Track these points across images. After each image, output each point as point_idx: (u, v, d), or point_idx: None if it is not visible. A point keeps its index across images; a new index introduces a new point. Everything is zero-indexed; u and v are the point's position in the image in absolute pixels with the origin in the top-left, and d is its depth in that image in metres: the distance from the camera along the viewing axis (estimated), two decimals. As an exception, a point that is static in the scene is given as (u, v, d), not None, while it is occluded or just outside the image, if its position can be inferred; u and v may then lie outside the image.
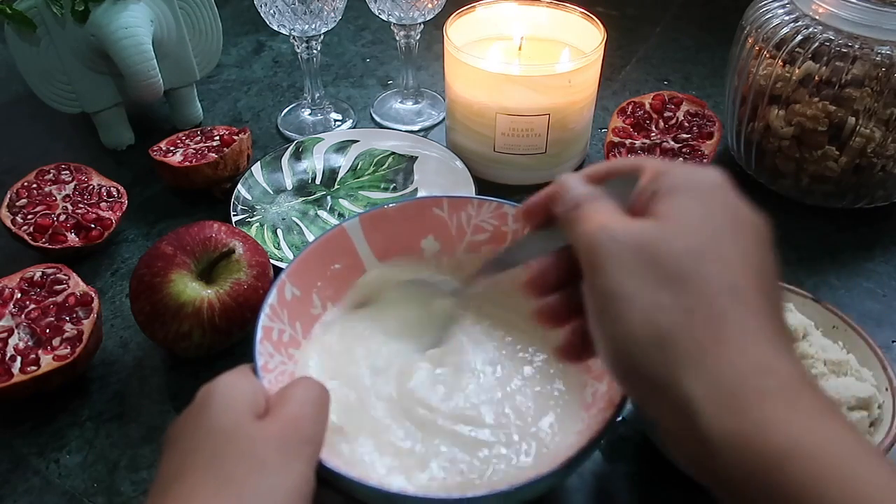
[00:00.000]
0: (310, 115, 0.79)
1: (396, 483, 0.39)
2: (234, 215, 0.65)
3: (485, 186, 0.68)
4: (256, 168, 0.69)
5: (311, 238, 0.64)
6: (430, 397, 0.44)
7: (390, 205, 0.50)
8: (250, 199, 0.67)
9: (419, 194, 0.68)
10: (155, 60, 0.64)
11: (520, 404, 0.43)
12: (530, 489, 0.35)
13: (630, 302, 0.29)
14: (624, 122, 0.70)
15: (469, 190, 0.66)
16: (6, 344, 0.50)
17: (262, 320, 0.42)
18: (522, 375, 0.45)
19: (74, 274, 0.55)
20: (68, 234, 0.61)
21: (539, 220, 0.38)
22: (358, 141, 0.73)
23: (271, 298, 0.44)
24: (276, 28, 0.70)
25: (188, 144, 0.68)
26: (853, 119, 0.59)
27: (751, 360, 0.28)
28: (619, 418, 0.49)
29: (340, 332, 0.48)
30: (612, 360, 0.31)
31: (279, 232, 0.65)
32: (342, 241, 0.49)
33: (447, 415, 0.43)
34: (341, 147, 0.73)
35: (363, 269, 0.50)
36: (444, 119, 0.76)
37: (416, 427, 0.42)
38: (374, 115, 0.81)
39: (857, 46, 0.57)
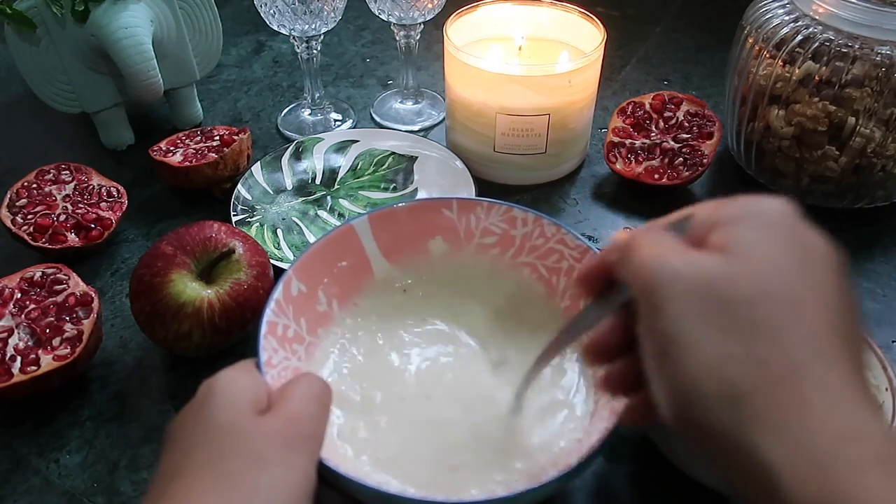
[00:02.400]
0: (310, 115, 0.79)
1: (396, 484, 0.39)
2: (234, 215, 0.65)
3: (485, 186, 0.68)
4: (256, 168, 0.69)
5: (311, 238, 0.64)
6: (433, 400, 0.44)
7: (399, 204, 0.50)
8: (250, 199, 0.67)
9: (419, 194, 0.68)
10: (155, 60, 0.64)
11: (522, 411, 0.43)
12: (529, 496, 0.35)
13: (695, 350, 0.27)
14: (624, 122, 0.70)
15: (469, 190, 0.66)
16: (6, 344, 0.50)
17: (268, 315, 0.42)
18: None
19: (74, 274, 0.55)
20: (68, 234, 0.61)
21: (596, 285, 0.35)
22: (358, 141, 0.73)
23: (277, 293, 0.44)
24: (276, 28, 0.70)
25: (188, 144, 0.68)
26: (853, 119, 0.59)
27: (839, 423, 0.25)
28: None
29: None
30: (674, 411, 0.28)
31: (279, 232, 0.65)
32: (350, 239, 0.49)
33: (447, 418, 0.43)
34: (341, 147, 0.73)
35: (370, 267, 0.50)
36: (444, 119, 0.76)
37: (416, 429, 0.42)
38: (374, 115, 0.81)
39: (857, 46, 0.57)
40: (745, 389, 0.26)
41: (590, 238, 0.64)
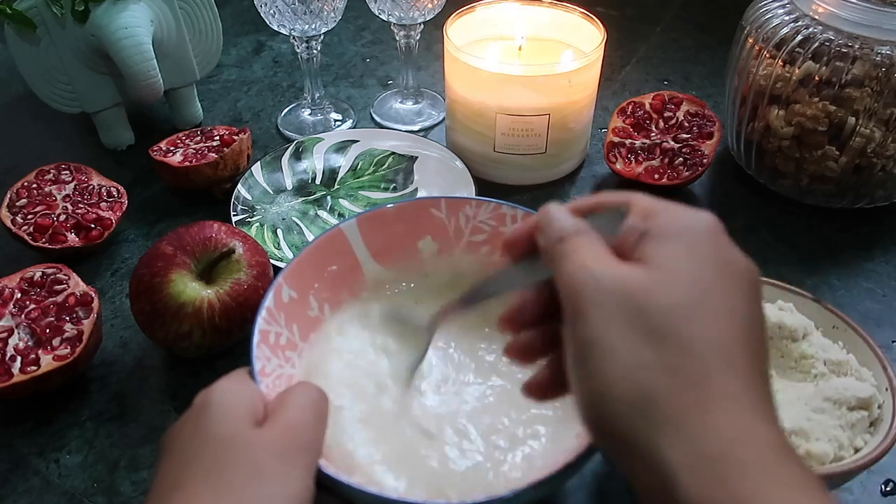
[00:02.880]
0: (310, 115, 0.79)
1: (394, 489, 0.39)
2: (234, 215, 0.65)
3: (485, 186, 0.68)
4: (256, 168, 0.69)
5: (311, 238, 0.64)
6: (427, 407, 0.44)
7: (388, 206, 0.50)
8: (250, 199, 0.67)
9: (419, 194, 0.68)
10: (155, 60, 0.64)
11: (517, 411, 0.43)
12: (528, 494, 0.35)
13: (611, 355, 0.28)
14: (624, 122, 0.70)
15: (469, 190, 0.66)
16: (6, 344, 0.50)
17: (259, 324, 0.42)
18: (516, 383, 0.45)
19: (74, 274, 0.55)
20: (68, 234, 0.61)
21: (521, 251, 0.36)
22: (358, 141, 0.73)
23: (268, 301, 0.43)
24: (276, 28, 0.70)
25: (188, 144, 0.68)
26: (853, 119, 0.59)
27: (733, 427, 0.26)
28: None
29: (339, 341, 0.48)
30: (587, 412, 0.29)
31: (279, 232, 0.65)
32: (339, 243, 0.49)
33: (444, 423, 0.43)
34: (341, 147, 0.73)
35: (361, 270, 0.50)
36: (444, 119, 0.76)
37: (414, 435, 0.42)
38: (374, 115, 0.81)
39: (857, 46, 0.57)
40: (654, 395, 0.27)
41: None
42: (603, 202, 0.34)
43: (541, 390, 0.35)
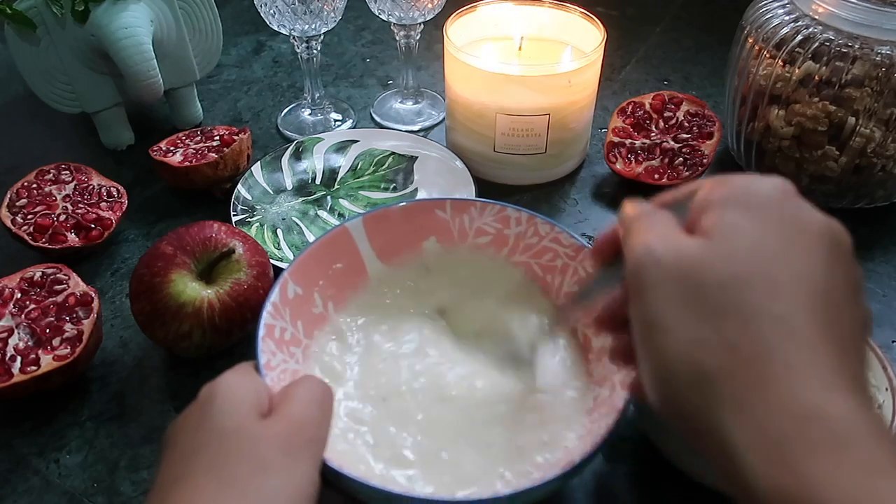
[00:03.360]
0: (310, 115, 0.79)
1: (399, 484, 0.39)
2: (234, 215, 0.65)
3: (485, 186, 0.68)
4: (256, 168, 0.69)
5: (311, 238, 0.64)
6: (433, 401, 0.44)
7: (393, 206, 0.50)
8: (250, 199, 0.67)
9: (419, 194, 0.68)
10: (155, 60, 0.64)
11: (522, 410, 0.43)
12: (531, 494, 0.35)
13: (670, 335, 0.28)
14: (624, 122, 0.70)
15: (469, 190, 0.66)
16: (6, 344, 0.50)
17: (265, 318, 0.42)
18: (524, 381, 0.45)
19: (74, 274, 0.55)
20: (68, 234, 0.61)
21: (607, 255, 0.36)
22: (358, 141, 0.73)
23: (273, 296, 0.44)
24: (276, 28, 0.70)
25: (188, 144, 0.68)
26: (853, 119, 0.59)
27: (800, 403, 0.25)
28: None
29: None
30: (653, 391, 0.29)
31: (279, 232, 0.65)
32: (345, 241, 0.49)
33: (448, 418, 0.43)
34: (341, 147, 0.73)
35: (364, 269, 0.50)
36: (444, 119, 0.76)
37: (418, 430, 0.42)
38: (374, 115, 0.81)
39: (857, 46, 0.57)
40: (712, 372, 0.26)
41: (588, 238, 0.64)
42: (682, 193, 0.34)
43: (622, 356, 0.35)
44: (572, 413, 0.43)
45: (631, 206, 0.34)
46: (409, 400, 0.44)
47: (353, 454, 0.41)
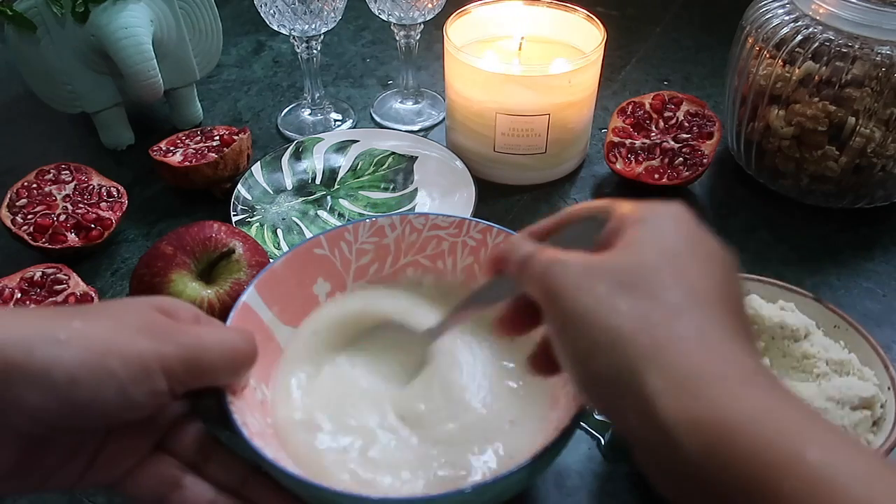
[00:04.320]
0: (310, 115, 0.79)
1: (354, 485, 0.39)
2: (234, 215, 0.65)
3: (485, 186, 0.68)
4: (256, 168, 0.69)
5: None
6: (399, 399, 0.44)
7: (275, 264, 0.47)
8: (250, 199, 0.67)
9: (419, 194, 0.68)
10: (155, 60, 0.64)
11: (486, 405, 0.43)
12: (493, 488, 0.35)
13: (587, 314, 0.30)
14: (624, 122, 0.70)
15: (469, 190, 0.66)
16: (6, 344, 0.50)
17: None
18: (489, 378, 0.45)
19: (74, 274, 0.55)
20: (68, 234, 0.61)
21: (496, 270, 0.38)
22: (358, 141, 0.73)
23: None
24: (276, 28, 0.70)
25: (188, 144, 0.68)
26: (853, 119, 0.59)
27: (708, 351, 0.28)
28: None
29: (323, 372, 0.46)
30: (576, 376, 0.31)
31: (279, 232, 0.65)
32: (251, 318, 0.45)
33: (412, 417, 0.43)
34: (341, 147, 0.73)
35: (274, 338, 0.46)
36: (444, 119, 0.76)
37: (379, 430, 0.42)
38: (374, 115, 0.81)
39: (857, 46, 0.57)
40: (629, 334, 0.28)
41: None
42: (575, 214, 0.36)
43: (539, 366, 0.38)
44: (533, 408, 0.43)
45: (512, 244, 0.35)
46: (370, 400, 0.44)
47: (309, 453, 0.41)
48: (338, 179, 0.70)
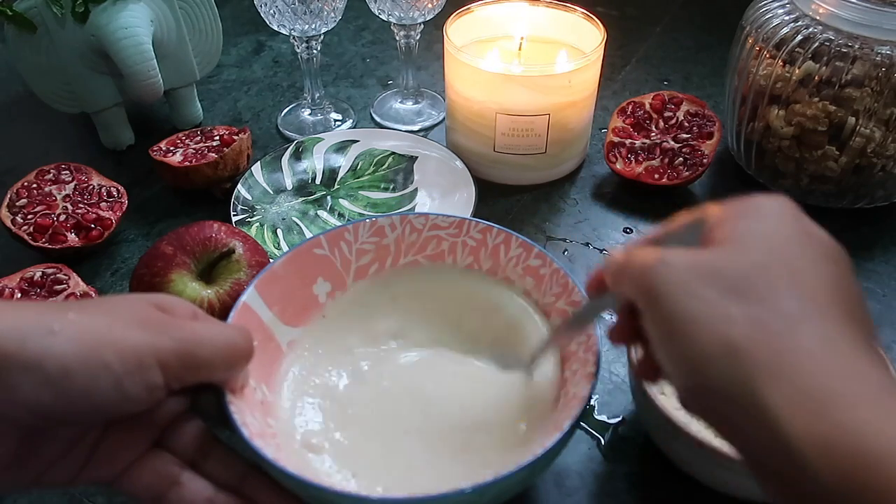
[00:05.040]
0: (310, 115, 0.79)
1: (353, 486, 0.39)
2: (234, 215, 0.65)
3: (485, 186, 0.68)
4: (256, 168, 0.69)
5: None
6: (395, 403, 0.44)
7: (275, 264, 0.47)
8: (250, 199, 0.67)
9: (419, 194, 0.68)
10: (155, 60, 0.64)
11: (484, 408, 0.43)
12: (493, 488, 0.35)
13: (696, 321, 0.28)
14: (624, 122, 0.70)
15: (469, 190, 0.66)
16: (6, 344, 0.50)
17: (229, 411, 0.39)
18: (486, 381, 0.45)
19: (74, 274, 0.55)
20: (68, 234, 0.61)
21: (597, 288, 0.37)
22: (358, 141, 0.73)
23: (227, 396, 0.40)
24: (276, 28, 0.70)
25: (188, 144, 0.68)
26: (853, 119, 0.59)
27: (834, 365, 0.26)
28: (618, 419, 0.50)
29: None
30: (685, 385, 0.29)
31: (279, 232, 0.65)
32: (250, 317, 0.45)
33: (411, 420, 0.43)
34: (341, 147, 0.73)
35: (274, 339, 0.46)
36: (444, 119, 0.76)
37: (376, 432, 0.42)
38: (374, 115, 0.81)
39: (857, 46, 0.57)
40: (745, 344, 0.27)
41: (586, 245, 0.64)
42: (675, 223, 0.34)
43: (646, 372, 0.35)
44: (539, 409, 0.43)
45: (612, 257, 0.34)
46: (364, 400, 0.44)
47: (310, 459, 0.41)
48: (338, 179, 0.70)
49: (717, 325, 0.27)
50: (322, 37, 0.72)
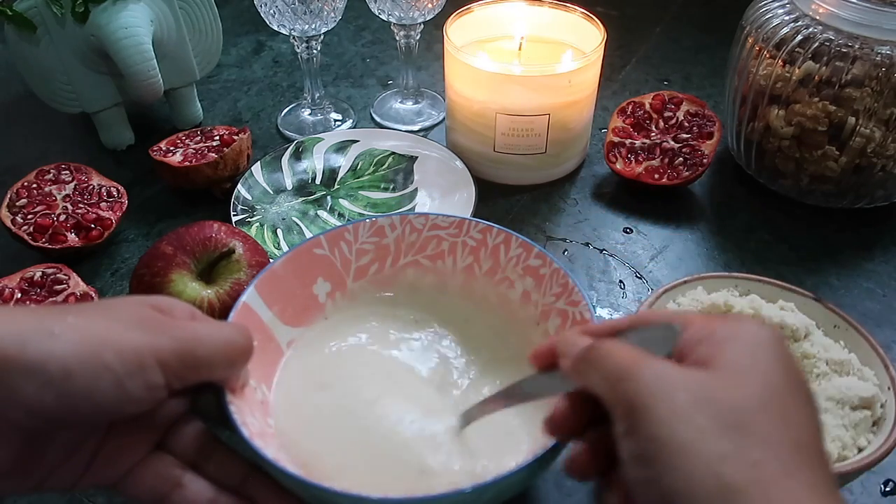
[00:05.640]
0: (310, 115, 0.79)
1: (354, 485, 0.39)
2: (234, 215, 0.65)
3: (485, 186, 0.68)
4: (256, 168, 0.69)
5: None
6: (393, 410, 0.44)
7: (275, 264, 0.47)
8: (250, 199, 0.67)
9: (419, 194, 0.68)
10: (155, 60, 0.64)
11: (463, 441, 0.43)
12: (493, 488, 0.35)
13: (687, 450, 0.27)
14: (624, 122, 0.70)
15: (469, 190, 0.66)
16: (6, 344, 0.50)
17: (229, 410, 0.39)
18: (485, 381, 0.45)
19: (74, 274, 0.55)
20: (68, 234, 0.61)
21: (546, 363, 0.36)
22: (358, 141, 0.73)
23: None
24: (276, 28, 0.70)
25: (188, 144, 0.68)
26: (853, 119, 0.59)
27: None
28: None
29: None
30: None
31: (279, 232, 0.65)
32: (250, 317, 0.45)
33: (408, 424, 0.42)
34: (341, 147, 0.73)
35: (274, 339, 0.46)
36: (444, 119, 0.76)
37: (376, 434, 0.42)
38: (374, 115, 0.81)
39: (857, 46, 0.57)
40: (741, 487, 0.26)
41: (586, 245, 0.64)
42: (645, 318, 0.34)
43: (582, 469, 0.33)
44: (534, 413, 0.43)
45: (572, 336, 0.33)
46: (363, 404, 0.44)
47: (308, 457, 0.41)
48: (338, 179, 0.70)
49: (711, 462, 0.26)
50: (322, 37, 0.72)
